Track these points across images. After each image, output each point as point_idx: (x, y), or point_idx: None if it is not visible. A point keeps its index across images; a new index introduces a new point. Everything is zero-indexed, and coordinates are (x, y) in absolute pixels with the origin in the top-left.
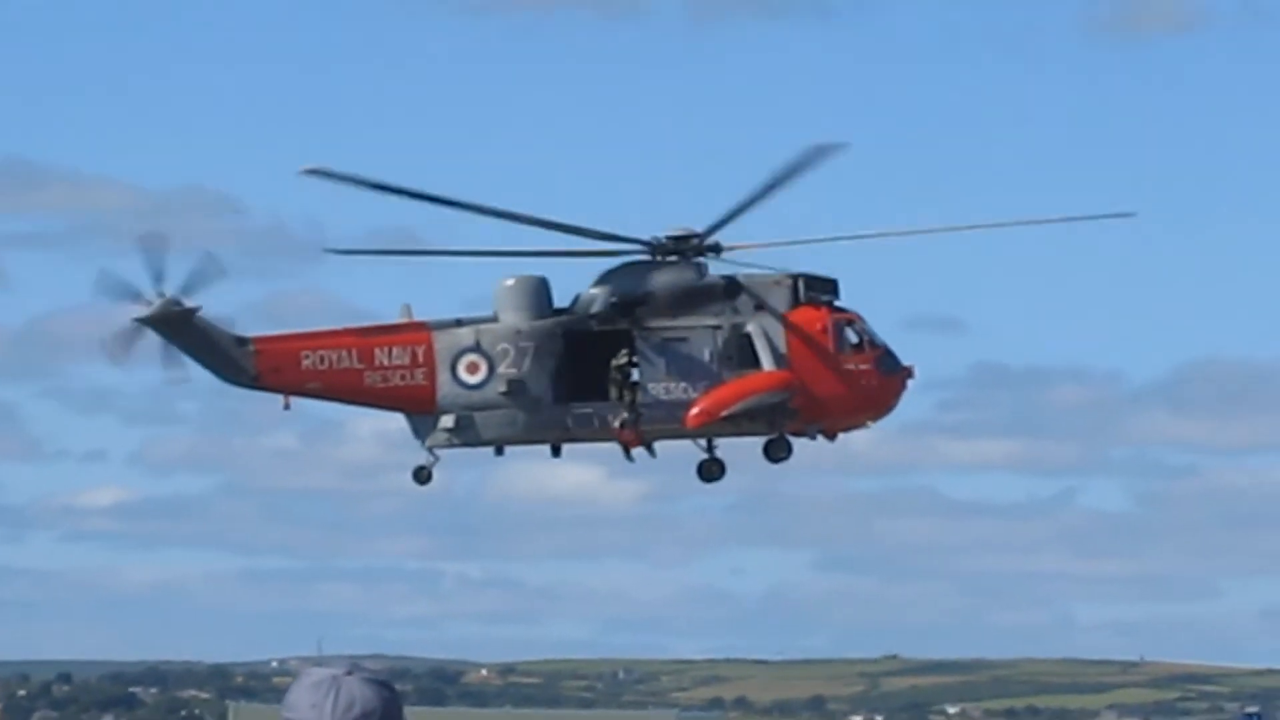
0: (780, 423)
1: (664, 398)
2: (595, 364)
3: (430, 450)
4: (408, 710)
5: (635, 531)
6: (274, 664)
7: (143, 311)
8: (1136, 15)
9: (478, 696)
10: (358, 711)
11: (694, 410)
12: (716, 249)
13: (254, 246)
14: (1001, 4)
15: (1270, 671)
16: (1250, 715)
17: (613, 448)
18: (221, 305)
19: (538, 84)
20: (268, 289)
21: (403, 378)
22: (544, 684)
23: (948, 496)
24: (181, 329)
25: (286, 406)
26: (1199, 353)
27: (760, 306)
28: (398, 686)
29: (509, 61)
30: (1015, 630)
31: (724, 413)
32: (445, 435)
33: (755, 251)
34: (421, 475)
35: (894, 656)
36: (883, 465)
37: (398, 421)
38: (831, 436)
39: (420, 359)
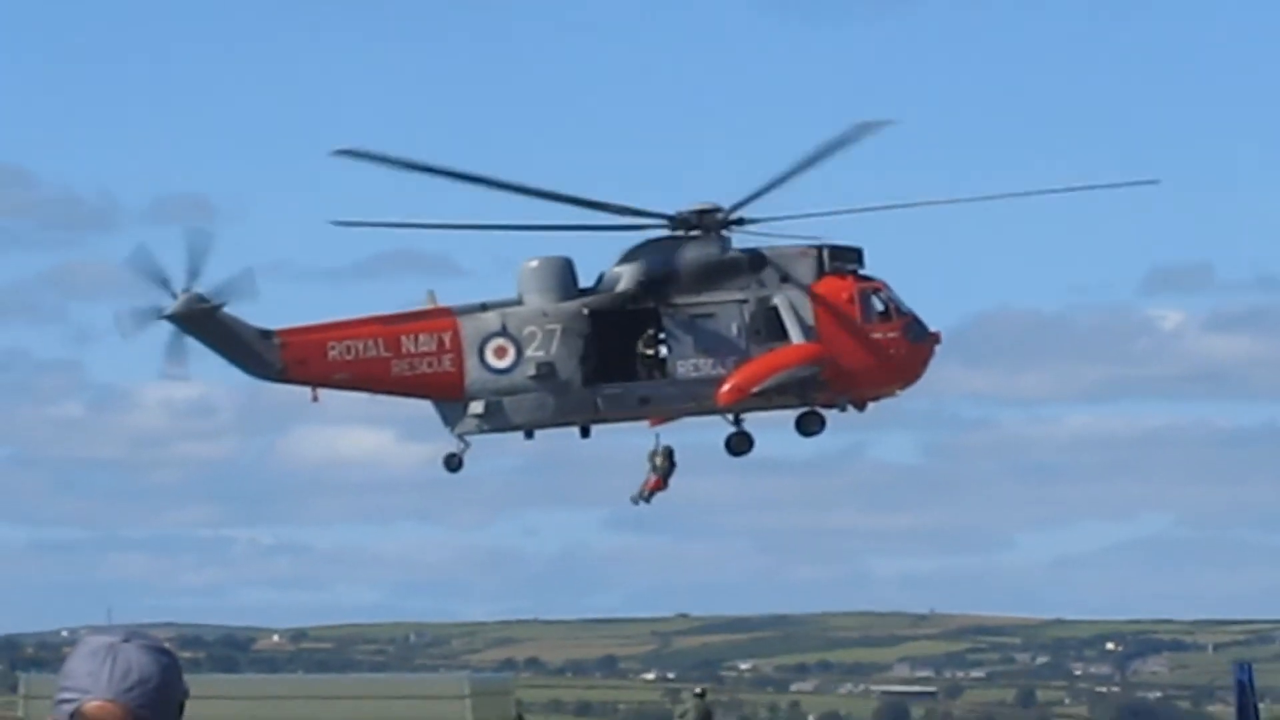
0: (811, 395)
1: (693, 375)
2: (623, 344)
3: (460, 437)
4: (200, 678)
5: (425, 495)
6: (64, 634)
7: (167, 308)
8: None
9: (269, 663)
10: (135, 678)
11: (725, 387)
12: (739, 222)
13: (45, 217)
14: None
15: (1059, 622)
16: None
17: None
18: (14, 273)
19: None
20: (60, 259)
21: (430, 365)
22: (335, 649)
23: (741, 456)
24: (206, 325)
25: (315, 399)
26: (989, 303)
27: (786, 279)
28: (189, 655)
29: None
30: (806, 585)
31: (755, 388)
32: (475, 421)
33: (778, 224)
34: (452, 463)
35: (684, 615)
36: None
37: (183, 391)
38: (861, 407)
39: (447, 345)
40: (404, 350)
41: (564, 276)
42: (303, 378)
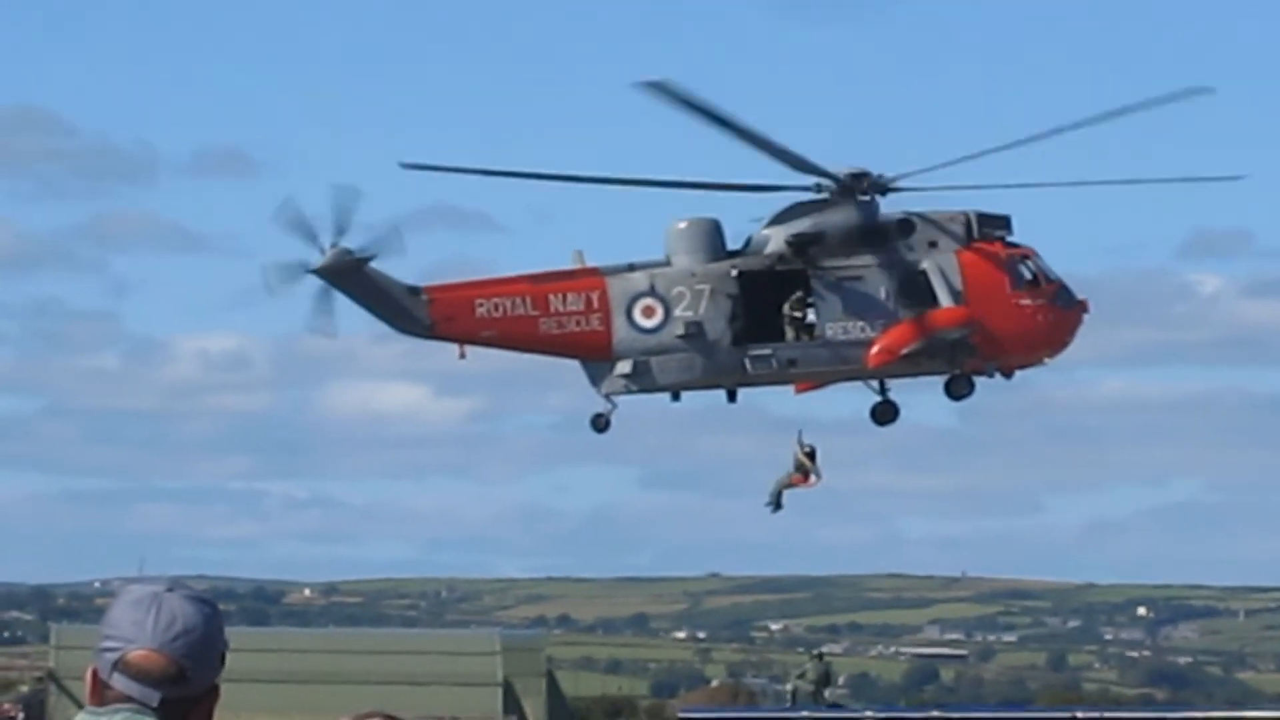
0: (960, 360)
1: (842, 337)
2: (771, 305)
3: (607, 397)
4: (231, 631)
5: (459, 450)
6: (96, 584)
7: (316, 262)
8: None
9: (300, 616)
10: (179, 628)
11: (874, 349)
12: (886, 187)
13: (83, 167)
14: None
15: (1091, 586)
16: None
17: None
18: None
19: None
20: (97, 209)
21: (578, 324)
22: (366, 603)
23: (771, 412)
24: (354, 280)
25: (462, 356)
26: None
27: (934, 244)
28: (220, 606)
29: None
30: (838, 546)
31: (904, 350)
32: (622, 381)
33: (926, 190)
34: (599, 423)
35: (716, 575)
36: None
37: (219, 344)
38: (1008, 374)
39: (595, 304)
40: (552, 309)
41: (712, 237)
42: (450, 335)
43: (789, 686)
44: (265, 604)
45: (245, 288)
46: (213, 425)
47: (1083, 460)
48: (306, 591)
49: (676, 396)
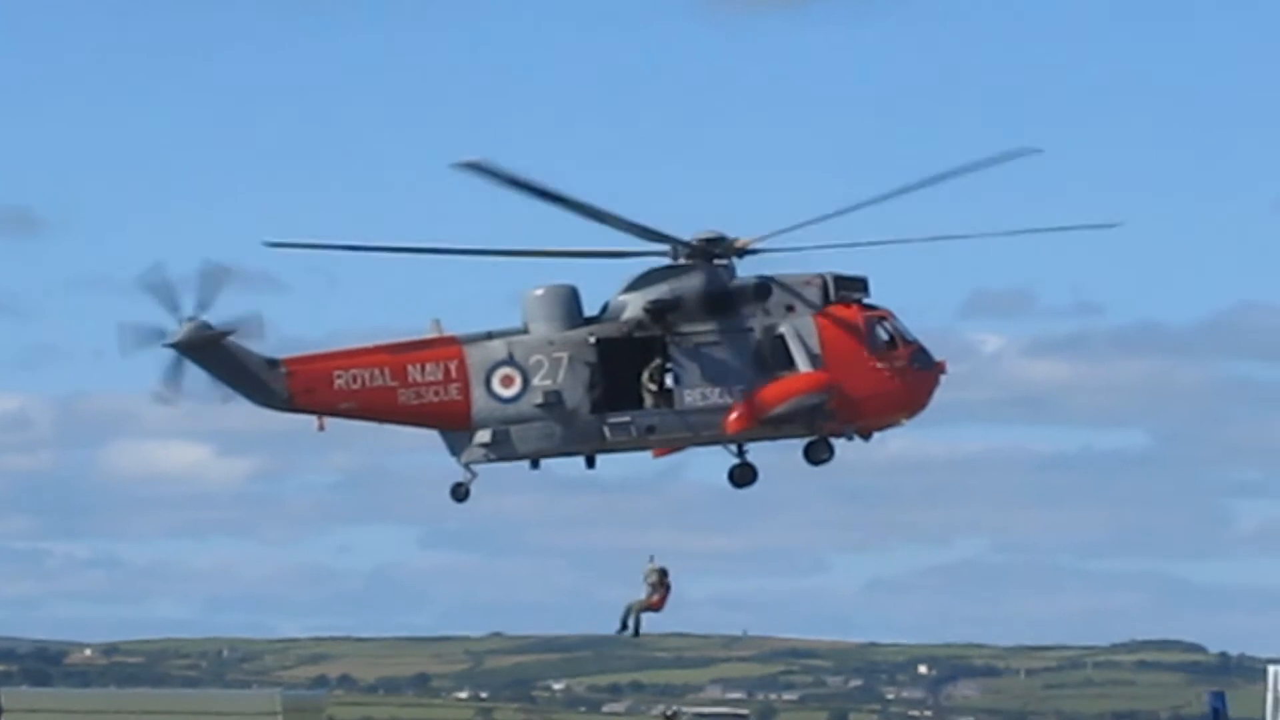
0: (818, 424)
1: (700, 404)
2: (629, 372)
3: (467, 466)
4: (12, 691)
5: (240, 509)
6: None
7: (172, 335)
8: None
9: (81, 676)
10: None
11: (733, 415)
12: (744, 251)
13: None
14: None
15: (872, 645)
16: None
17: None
18: None
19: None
20: None
21: (436, 394)
22: (147, 663)
23: (554, 473)
24: (211, 353)
25: (321, 428)
26: None
27: (791, 307)
28: (2, 667)
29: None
30: (620, 605)
31: (763, 416)
32: (481, 451)
33: (783, 253)
34: (459, 492)
35: (498, 634)
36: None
37: (1, 404)
38: (867, 436)
39: (453, 374)
40: (410, 379)
41: (569, 305)
42: (309, 407)
43: None
44: (46, 664)
45: (29, 346)
46: None
47: (865, 520)
48: (88, 651)
49: (536, 464)
